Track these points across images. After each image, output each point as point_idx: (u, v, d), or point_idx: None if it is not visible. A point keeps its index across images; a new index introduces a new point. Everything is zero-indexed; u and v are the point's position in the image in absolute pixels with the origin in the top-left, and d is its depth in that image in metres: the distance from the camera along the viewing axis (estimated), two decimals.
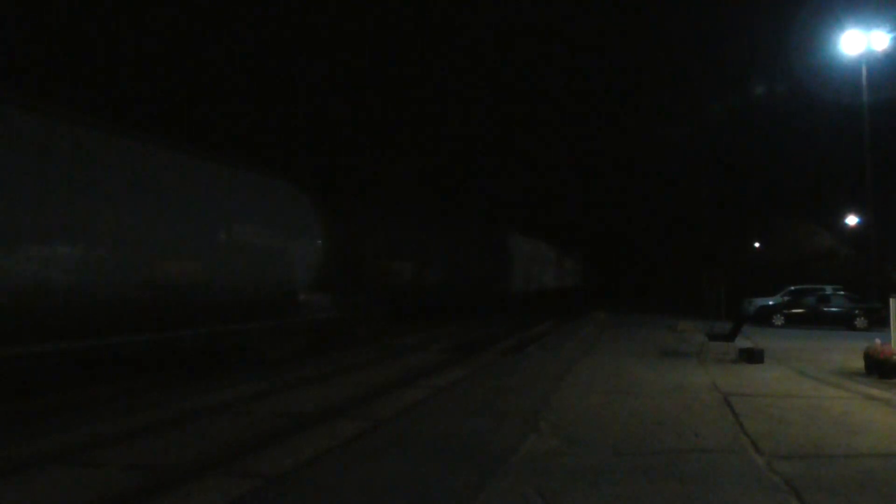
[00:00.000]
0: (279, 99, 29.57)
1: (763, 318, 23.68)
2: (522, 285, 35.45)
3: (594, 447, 6.13)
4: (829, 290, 24.48)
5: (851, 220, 37.97)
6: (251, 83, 28.65)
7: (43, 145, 8.40)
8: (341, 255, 16.01)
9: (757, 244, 49.72)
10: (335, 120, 31.78)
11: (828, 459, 5.76)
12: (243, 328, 12.16)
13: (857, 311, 22.25)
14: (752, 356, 12.23)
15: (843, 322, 22.17)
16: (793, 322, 22.95)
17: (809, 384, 9.97)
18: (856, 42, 21.18)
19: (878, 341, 11.15)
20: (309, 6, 38.48)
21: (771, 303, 24.79)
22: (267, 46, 29.94)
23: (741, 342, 13.53)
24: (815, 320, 22.72)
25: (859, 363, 11.23)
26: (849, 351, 13.41)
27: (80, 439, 7.08)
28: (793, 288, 25.81)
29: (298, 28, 33.29)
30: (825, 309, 23.15)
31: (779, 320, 23.38)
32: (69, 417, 8.05)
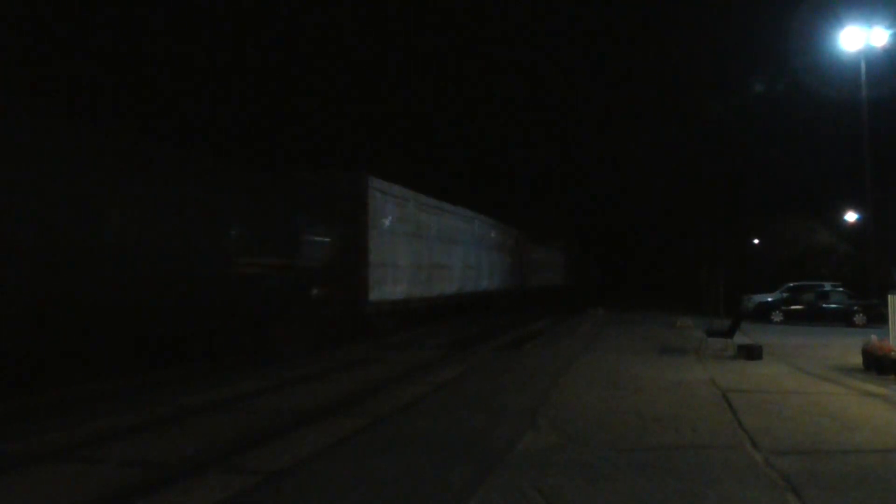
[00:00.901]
0: None
1: (762, 314, 23.71)
2: (407, 288, 18.61)
3: (592, 443, 6.13)
4: (827, 286, 24.53)
5: (850, 216, 37.96)
6: None
7: None
8: None
9: (756, 241, 49.74)
10: None
11: (825, 455, 5.77)
12: None
13: (855, 308, 22.28)
14: (751, 352, 12.25)
15: (841, 318, 22.19)
16: (791, 319, 22.97)
17: (807, 380, 9.99)
18: (855, 38, 21.16)
19: (874, 337, 11.17)
20: None
21: (770, 299, 24.82)
22: None
23: (740, 339, 13.55)
24: (814, 317, 22.75)
25: (857, 359, 11.25)
26: (847, 347, 13.42)
27: (78, 436, 7.07)
28: (791, 284, 25.84)
29: None
30: (824, 305, 23.19)
31: (777, 317, 23.41)
32: (66, 414, 8.04)
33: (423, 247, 20.13)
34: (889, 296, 11.20)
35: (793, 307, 23.52)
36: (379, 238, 16.94)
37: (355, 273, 16.01)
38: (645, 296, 47.60)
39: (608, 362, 11.77)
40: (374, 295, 16.49)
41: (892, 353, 10.22)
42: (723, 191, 50.62)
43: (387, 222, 17.51)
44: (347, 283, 15.78)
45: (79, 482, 5.65)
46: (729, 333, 13.36)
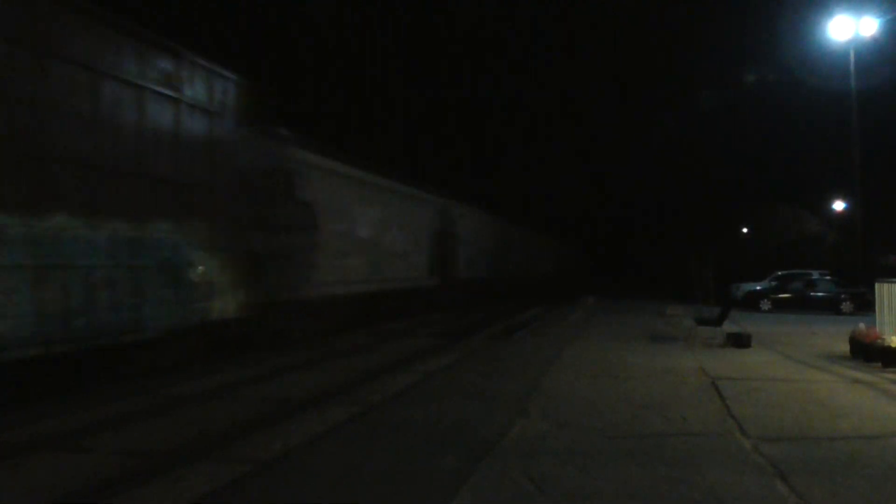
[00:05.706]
0: None
1: (750, 302, 23.86)
2: None
3: (583, 431, 6.17)
4: (815, 275, 24.69)
5: (838, 205, 38.22)
6: None
7: None
8: None
9: (745, 229, 50.00)
10: None
11: (813, 442, 5.83)
12: None
13: (843, 296, 22.45)
14: (740, 340, 12.33)
15: (829, 307, 22.36)
16: (780, 307, 23.13)
17: (796, 368, 10.07)
18: (844, 28, 21.22)
19: (862, 325, 11.27)
20: None
21: (758, 288, 24.98)
22: None
23: (729, 327, 13.63)
24: (802, 305, 22.91)
25: (845, 347, 11.35)
26: (835, 335, 13.53)
27: (70, 425, 7.05)
28: (780, 273, 26.00)
29: None
30: (812, 294, 23.36)
31: (766, 305, 23.57)
32: (58, 403, 8.00)
33: None
34: (876, 283, 11.29)
35: (781, 295, 23.68)
36: None
37: None
38: (635, 285, 47.75)
39: (598, 350, 11.83)
40: None
41: (879, 341, 10.32)
42: (713, 179, 50.83)
43: None
44: None
45: (70, 471, 5.64)
46: (718, 322, 13.43)
